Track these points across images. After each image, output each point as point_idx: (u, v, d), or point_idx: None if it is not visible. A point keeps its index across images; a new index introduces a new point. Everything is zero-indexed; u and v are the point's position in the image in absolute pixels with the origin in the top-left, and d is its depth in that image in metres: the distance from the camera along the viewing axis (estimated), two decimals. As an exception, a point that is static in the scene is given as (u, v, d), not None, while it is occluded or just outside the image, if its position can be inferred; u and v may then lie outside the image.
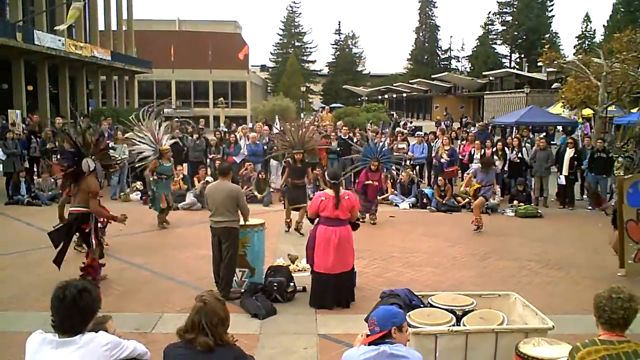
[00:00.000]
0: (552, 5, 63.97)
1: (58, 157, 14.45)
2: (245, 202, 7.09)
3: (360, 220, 11.61)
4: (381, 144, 12.58)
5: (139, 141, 11.22)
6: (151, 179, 11.07)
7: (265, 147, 15.09)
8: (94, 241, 7.25)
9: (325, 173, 10.55)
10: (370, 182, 11.68)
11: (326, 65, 78.60)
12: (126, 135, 13.24)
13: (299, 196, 10.49)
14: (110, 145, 13.29)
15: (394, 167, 13.13)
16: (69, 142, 7.50)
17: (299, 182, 10.58)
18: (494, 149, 14.60)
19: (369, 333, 3.32)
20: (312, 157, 12.51)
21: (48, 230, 7.58)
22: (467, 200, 13.41)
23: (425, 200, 13.70)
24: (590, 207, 13.60)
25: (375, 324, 3.27)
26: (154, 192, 11.00)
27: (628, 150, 8.36)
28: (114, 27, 40.00)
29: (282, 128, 12.44)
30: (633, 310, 2.90)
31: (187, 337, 2.85)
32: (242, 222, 7.03)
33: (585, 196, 14.64)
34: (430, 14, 74.12)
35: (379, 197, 12.60)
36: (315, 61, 77.74)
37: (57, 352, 2.66)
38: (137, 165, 12.05)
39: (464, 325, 4.69)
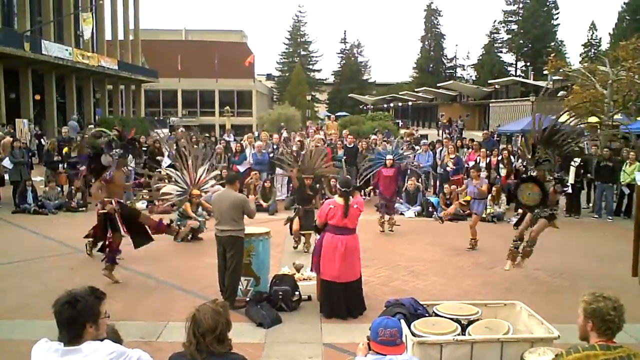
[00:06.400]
0: (557, 13, 63.89)
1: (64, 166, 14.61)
2: (250, 208, 7.10)
3: (379, 227, 11.61)
4: (391, 147, 12.85)
5: (174, 179, 10.83)
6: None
7: (272, 155, 15.12)
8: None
9: (337, 181, 10.46)
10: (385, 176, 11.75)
11: (332, 74, 78.74)
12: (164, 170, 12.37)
13: (308, 223, 9.84)
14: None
15: (415, 166, 13.57)
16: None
17: (308, 208, 10.19)
18: (500, 157, 14.60)
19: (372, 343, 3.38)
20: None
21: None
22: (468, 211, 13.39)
23: (430, 209, 13.67)
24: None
25: (397, 335, 3.38)
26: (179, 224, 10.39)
27: (542, 156, 8.28)
28: (120, 37, 40.31)
29: (289, 141, 12.38)
30: None
31: (185, 346, 2.90)
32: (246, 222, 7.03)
33: (591, 204, 14.57)
34: (436, 22, 74.06)
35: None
36: (320, 70, 77.86)
37: (62, 361, 2.67)
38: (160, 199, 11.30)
39: (469, 334, 4.68)
